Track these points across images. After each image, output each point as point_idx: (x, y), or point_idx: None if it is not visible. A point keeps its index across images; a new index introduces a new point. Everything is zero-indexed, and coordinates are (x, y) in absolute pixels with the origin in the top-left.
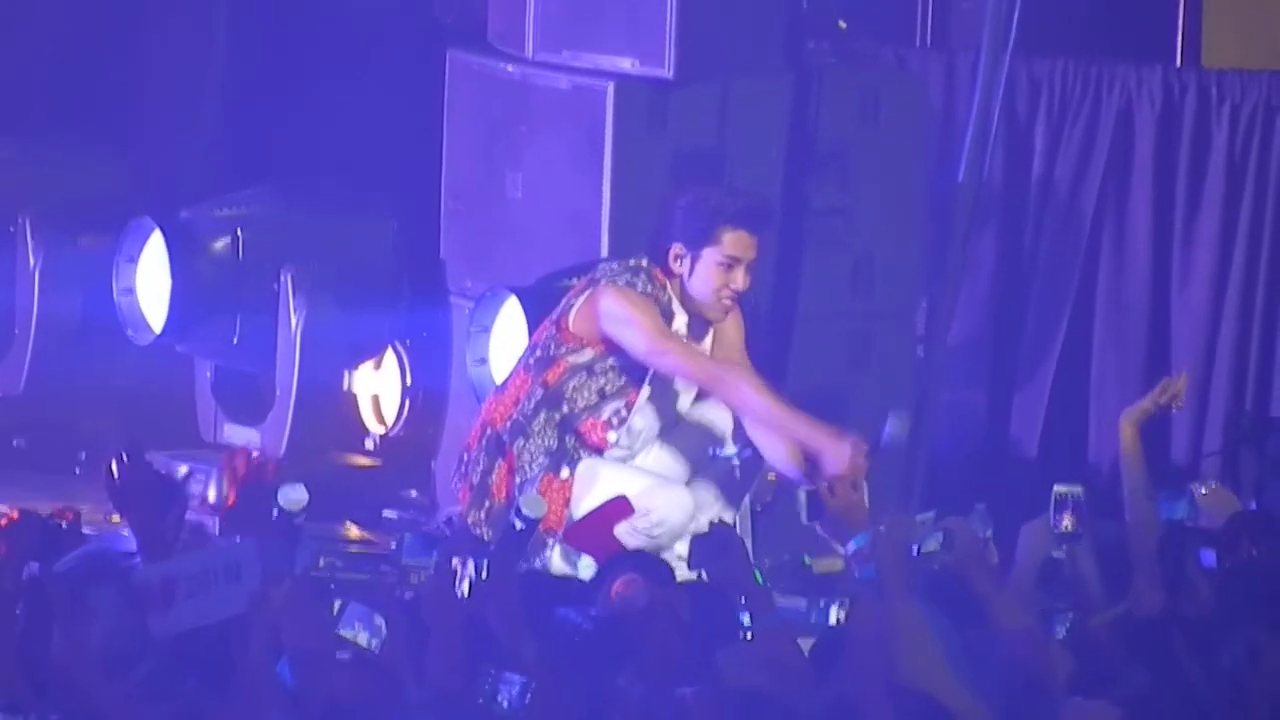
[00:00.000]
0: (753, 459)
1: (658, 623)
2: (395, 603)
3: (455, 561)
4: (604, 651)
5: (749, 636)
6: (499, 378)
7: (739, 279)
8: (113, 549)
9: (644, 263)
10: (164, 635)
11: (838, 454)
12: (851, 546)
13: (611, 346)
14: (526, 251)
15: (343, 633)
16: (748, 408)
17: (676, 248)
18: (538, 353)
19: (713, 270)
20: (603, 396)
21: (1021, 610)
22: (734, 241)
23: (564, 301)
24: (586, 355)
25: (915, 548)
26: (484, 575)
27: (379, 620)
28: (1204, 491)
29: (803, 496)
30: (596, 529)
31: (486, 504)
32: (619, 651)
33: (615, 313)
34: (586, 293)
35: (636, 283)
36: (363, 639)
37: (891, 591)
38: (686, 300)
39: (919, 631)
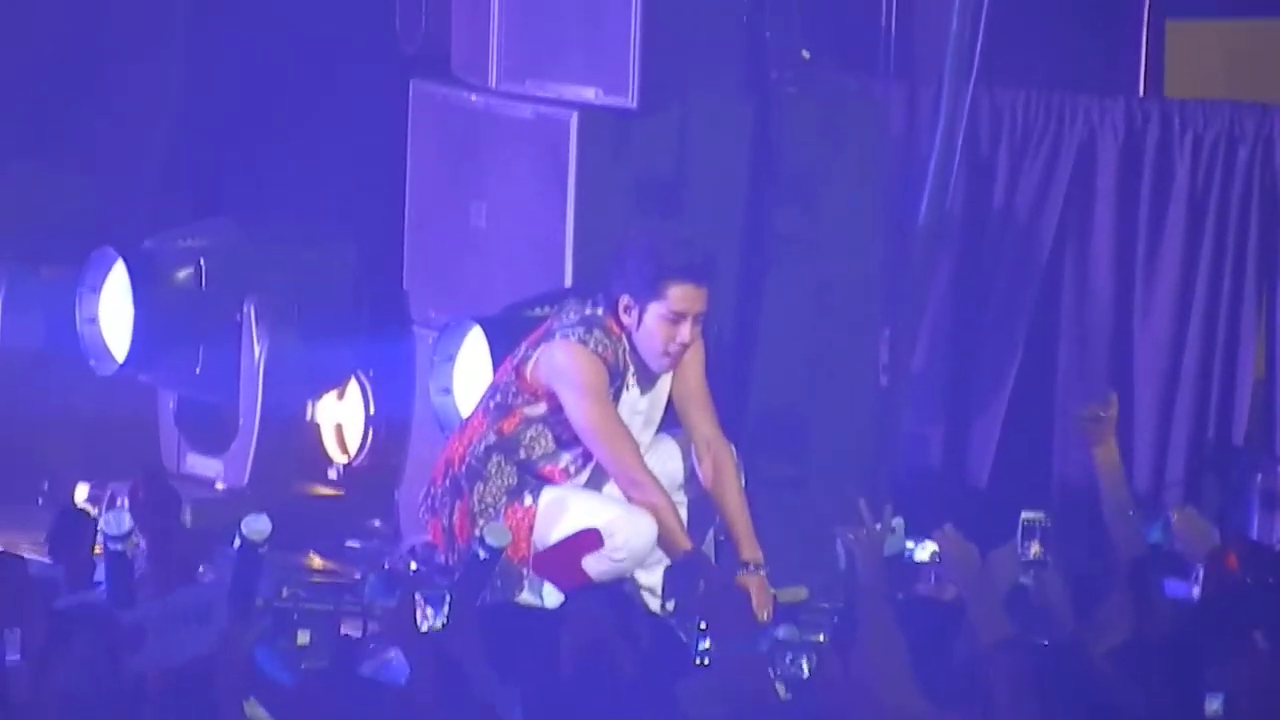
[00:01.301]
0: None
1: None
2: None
3: (418, 597)
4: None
5: (705, 663)
6: (463, 407)
7: (685, 332)
8: (92, 596)
9: (599, 312)
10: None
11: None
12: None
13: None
14: (490, 281)
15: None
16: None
17: (625, 299)
18: (497, 397)
19: (658, 324)
20: (559, 445)
21: (1004, 623)
22: (679, 296)
23: (525, 345)
24: (541, 408)
25: (905, 553)
26: (445, 611)
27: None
28: (1178, 517)
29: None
30: (564, 558)
31: (454, 545)
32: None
33: (563, 376)
34: (543, 344)
35: (589, 340)
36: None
37: (869, 598)
38: (634, 351)
39: (893, 640)
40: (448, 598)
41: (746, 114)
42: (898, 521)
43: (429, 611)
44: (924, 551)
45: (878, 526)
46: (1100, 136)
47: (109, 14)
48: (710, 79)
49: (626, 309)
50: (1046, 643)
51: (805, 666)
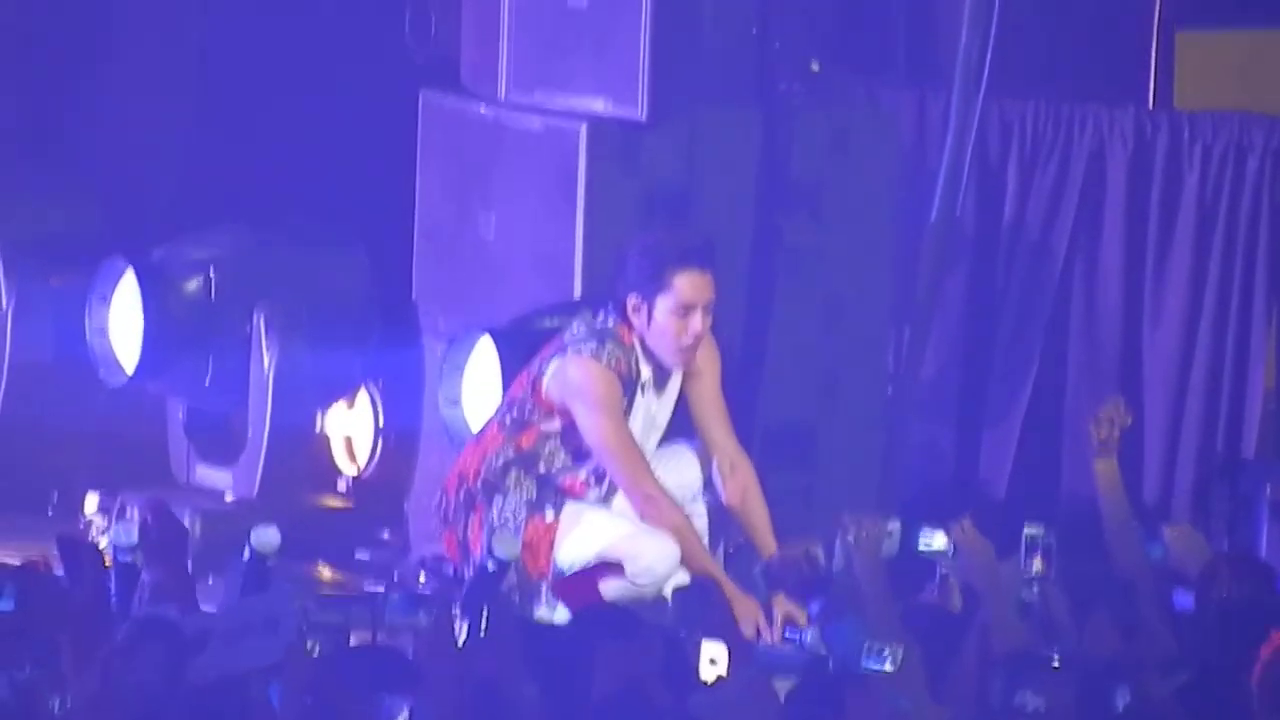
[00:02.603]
0: (722, 505)
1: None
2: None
3: (455, 611)
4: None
5: (710, 683)
6: (472, 418)
7: (697, 323)
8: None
9: (610, 323)
10: (195, 680)
11: (746, 612)
12: (815, 607)
13: None
14: (499, 291)
15: None
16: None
17: (632, 298)
18: (514, 412)
19: (669, 318)
20: (576, 459)
21: (1018, 627)
22: (686, 285)
23: (539, 360)
24: (556, 424)
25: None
26: (484, 627)
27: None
28: (1173, 534)
29: (757, 572)
30: (583, 581)
31: (470, 558)
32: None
33: (576, 393)
34: (556, 359)
35: (602, 353)
36: None
37: (871, 599)
38: (648, 351)
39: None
40: (485, 612)
41: (756, 125)
42: (895, 524)
43: (464, 624)
44: (939, 540)
45: (875, 528)
46: (1110, 147)
47: (120, 23)
48: (719, 90)
49: (635, 309)
50: (1056, 664)
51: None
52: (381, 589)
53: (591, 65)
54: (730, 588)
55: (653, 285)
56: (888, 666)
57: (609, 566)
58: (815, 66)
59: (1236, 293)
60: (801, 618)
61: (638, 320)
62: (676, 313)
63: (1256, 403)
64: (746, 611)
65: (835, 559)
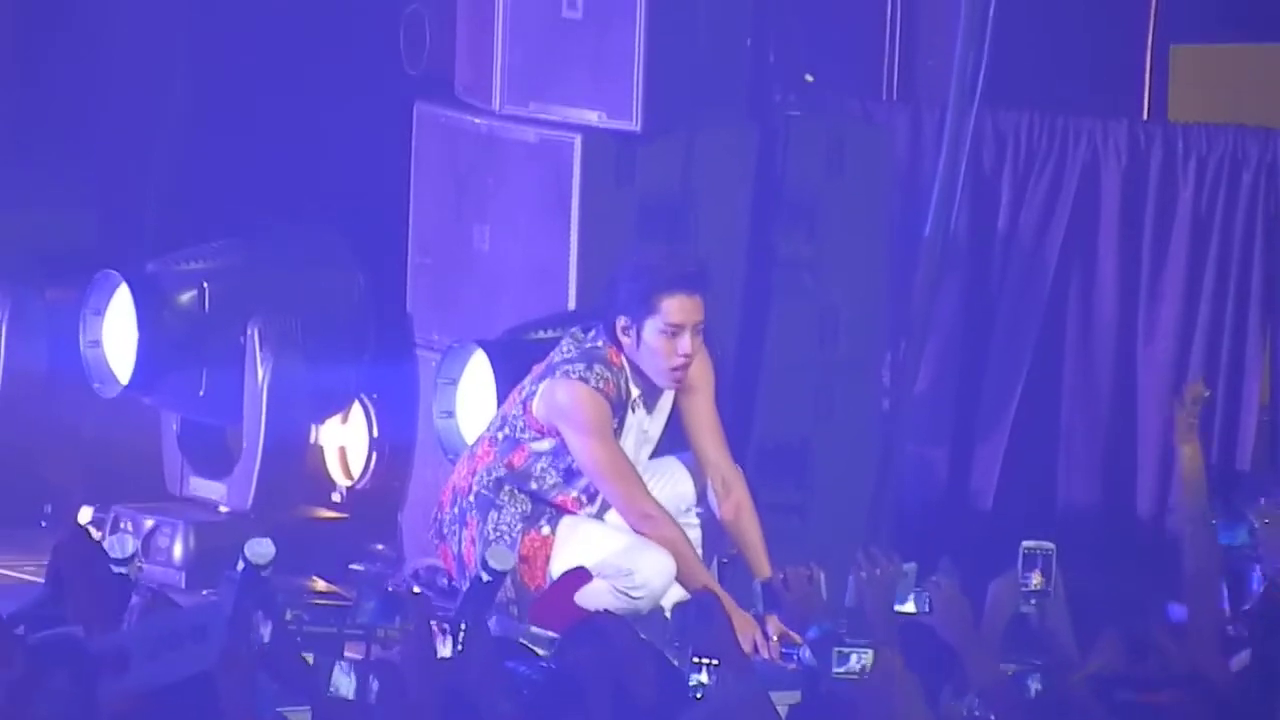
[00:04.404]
0: (715, 517)
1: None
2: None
3: (434, 624)
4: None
5: (700, 697)
6: (466, 430)
7: (685, 344)
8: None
9: (599, 344)
10: (116, 701)
11: (744, 627)
12: (811, 634)
13: None
14: (493, 304)
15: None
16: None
17: (621, 320)
18: (505, 429)
19: (658, 340)
20: (568, 477)
21: (995, 664)
22: (675, 308)
23: (530, 379)
24: (546, 444)
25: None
26: (461, 638)
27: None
28: (1266, 521)
29: (758, 588)
30: (557, 601)
31: (465, 572)
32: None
33: (565, 416)
34: (546, 380)
35: (590, 376)
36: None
37: (880, 642)
38: (637, 372)
39: (907, 683)
40: (463, 625)
41: (750, 137)
42: (910, 566)
43: (446, 638)
44: (910, 605)
45: (891, 567)
46: (1104, 159)
47: (112, 35)
48: (714, 102)
49: (624, 330)
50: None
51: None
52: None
53: (586, 77)
54: (729, 602)
55: (642, 307)
56: (855, 669)
57: (575, 577)
58: (809, 78)
59: (1231, 305)
60: (797, 639)
61: (626, 340)
62: (665, 333)
63: (1251, 415)
64: (745, 626)
65: (848, 595)
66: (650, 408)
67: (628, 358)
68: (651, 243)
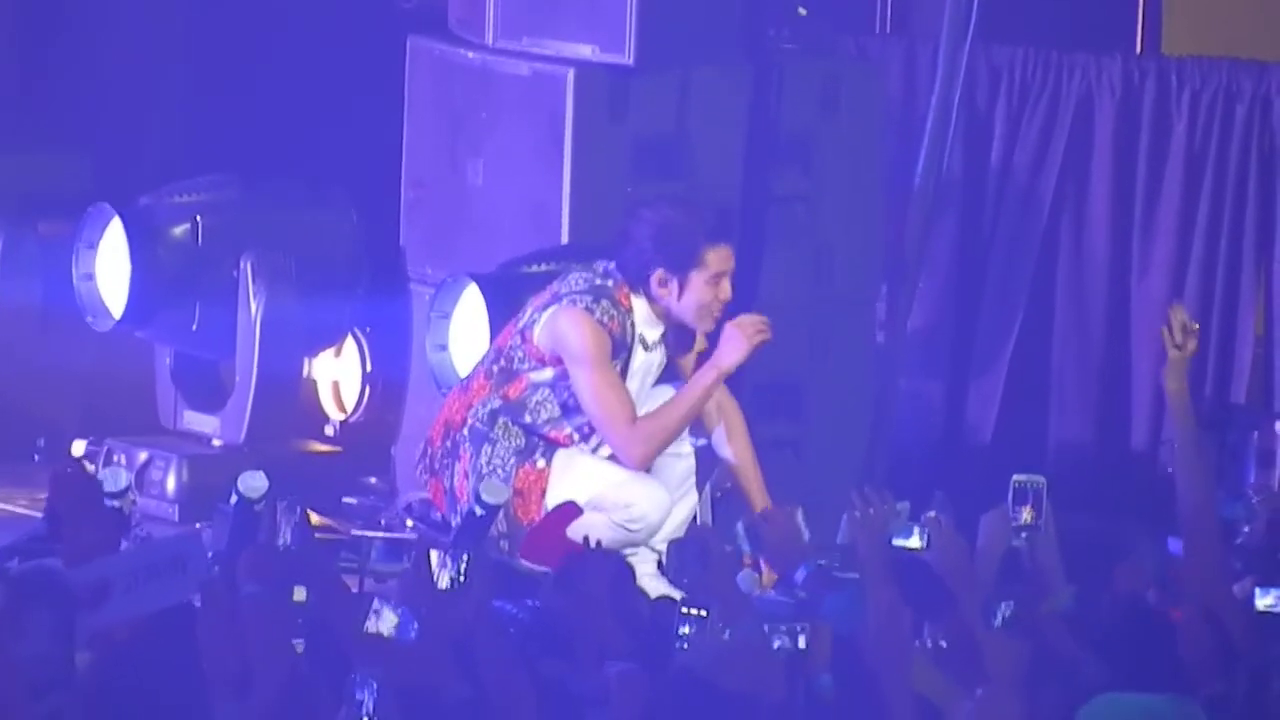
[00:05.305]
0: (709, 447)
1: (595, 610)
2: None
3: (434, 556)
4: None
5: (685, 647)
6: (459, 364)
7: (726, 290)
8: (53, 566)
9: (610, 283)
10: (96, 631)
11: (733, 338)
12: (800, 575)
13: None
14: (487, 238)
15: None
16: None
17: (659, 274)
18: (501, 361)
19: (702, 290)
20: (564, 412)
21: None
22: (718, 258)
23: (530, 309)
24: (547, 374)
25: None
26: (463, 571)
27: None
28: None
29: (740, 528)
30: (549, 536)
31: (456, 506)
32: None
33: (567, 343)
34: (550, 308)
35: (596, 309)
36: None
37: (873, 581)
38: (671, 319)
39: (903, 622)
40: (466, 556)
41: (744, 72)
42: (903, 505)
43: (447, 568)
44: (914, 540)
45: (884, 507)
46: (1098, 94)
47: None
48: (707, 36)
49: (663, 282)
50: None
51: (801, 640)
52: (368, 534)
53: (579, 10)
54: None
55: (686, 261)
56: (801, 645)
57: (565, 512)
58: (802, 11)
59: (1225, 240)
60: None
61: (664, 293)
62: (711, 282)
63: (1246, 350)
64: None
65: (841, 532)
66: (651, 350)
67: (665, 307)
68: (646, 178)
